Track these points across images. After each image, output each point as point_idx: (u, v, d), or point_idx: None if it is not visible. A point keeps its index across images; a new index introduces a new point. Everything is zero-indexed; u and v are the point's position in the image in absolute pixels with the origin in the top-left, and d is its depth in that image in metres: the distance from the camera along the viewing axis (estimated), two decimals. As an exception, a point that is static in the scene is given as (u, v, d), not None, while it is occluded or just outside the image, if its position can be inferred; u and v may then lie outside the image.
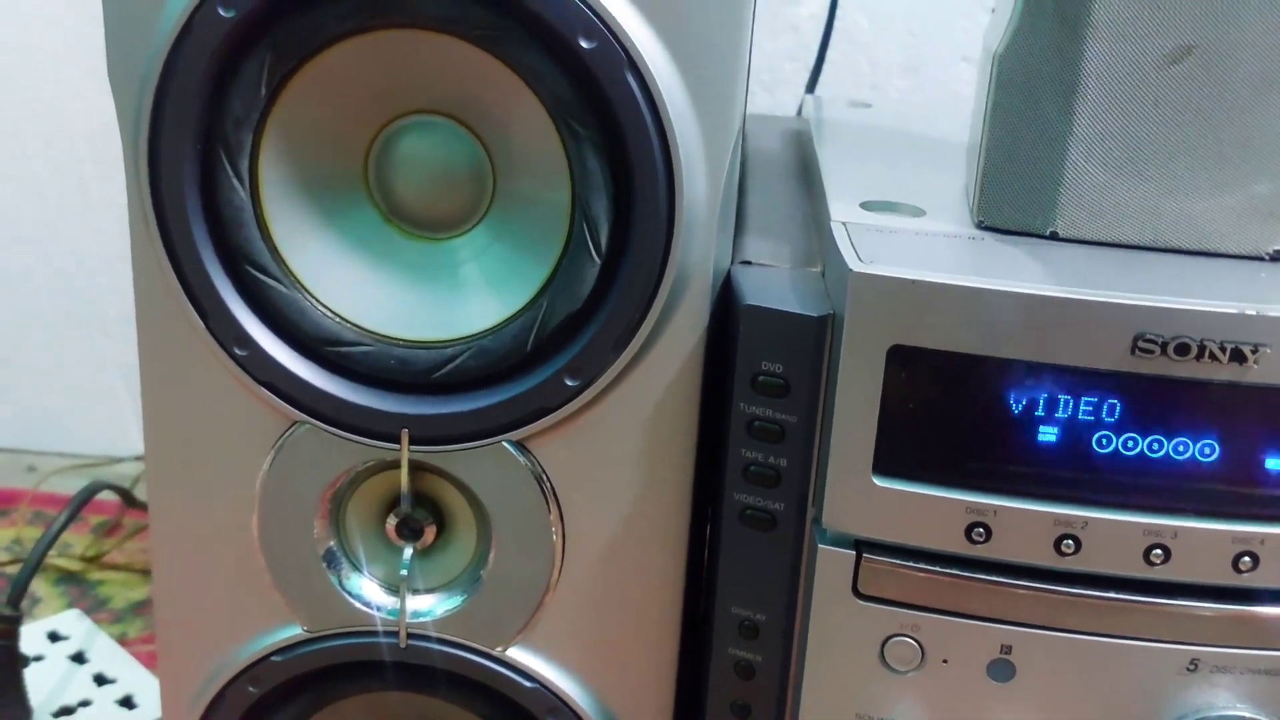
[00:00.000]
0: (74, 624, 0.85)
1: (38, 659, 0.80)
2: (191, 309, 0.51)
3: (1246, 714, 0.49)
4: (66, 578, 1.04)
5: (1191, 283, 0.47)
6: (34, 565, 0.71)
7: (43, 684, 0.77)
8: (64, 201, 1.14)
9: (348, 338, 0.52)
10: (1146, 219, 0.50)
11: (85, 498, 0.75)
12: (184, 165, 0.49)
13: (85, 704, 0.77)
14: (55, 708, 0.76)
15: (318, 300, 0.52)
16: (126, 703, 0.77)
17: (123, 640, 0.85)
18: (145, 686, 0.78)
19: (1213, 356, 0.44)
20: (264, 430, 0.53)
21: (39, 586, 1.02)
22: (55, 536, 0.73)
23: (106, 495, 1.07)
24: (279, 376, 0.52)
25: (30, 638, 0.82)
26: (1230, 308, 0.44)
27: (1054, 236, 0.51)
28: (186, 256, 0.50)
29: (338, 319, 0.52)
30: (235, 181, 0.50)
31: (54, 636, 0.83)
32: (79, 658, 0.81)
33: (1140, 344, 0.45)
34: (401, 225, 0.52)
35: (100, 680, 0.79)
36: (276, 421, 0.53)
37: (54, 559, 1.05)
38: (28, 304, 1.19)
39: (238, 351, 0.52)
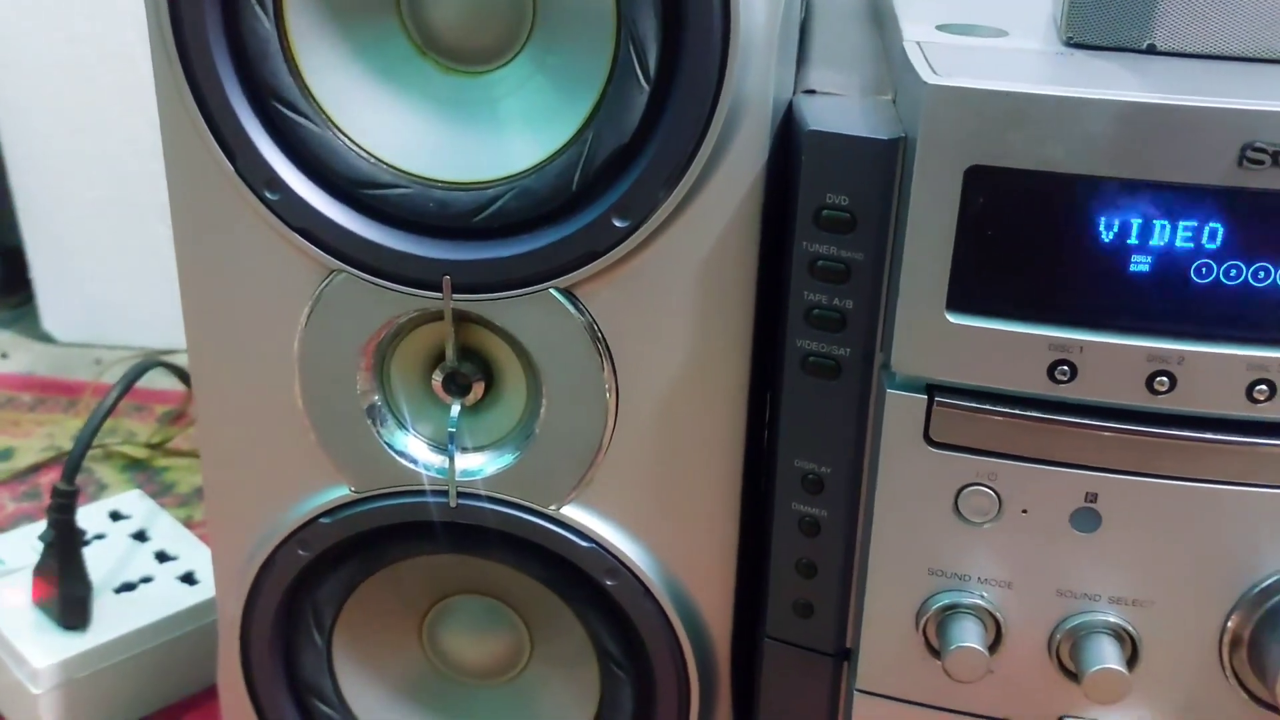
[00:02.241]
0: (136, 504, 0.85)
1: (99, 537, 0.80)
2: (219, 149, 0.48)
3: (1357, 565, 0.45)
4: (133, 465, 1.05)
5: (1306, 90, 0.42)
6: (86, 441, 0.70)
7: (104, 561, 0.77)
8: (115, 83, 1.12)
9: (383, 179, 0.49)
10: (1259, 26, 0.45)
11: (135, 375, 0.74)
12: (204, -6, 0.46)
13: (147, 580, 0.77)
14: (117, 583, 0.76)
15: (351, 139, 0.49)
16: (188, 579, 0.77)
17: (188, 523, 0.84)
18: (206, 563, 0.78)
19: (1331, 166, 0.40)
20: (300, 282, 0.51)
21: (106, 473, 1.03)
22: (108, 412, 0.72)
23: (173, 384, 1.07)
24: (313, 221, 0.49)
25: (92, 517, 0.82)
26: (1353, 109, 0.39)
27: (1152, 50, 0.46)
28: (211, 92, 0.47)
29: (372, 159, 0.49)
30: (259, 9, 0.46)
31: (116, 516, 0.83)
32: (141, 536, 0.81)
33: (1249, 154, 0.40)
34: (437, 58, 0.49)
35: (162, 557, 0.79)
36: (313, 271, 0.51)
37: (119, 446, 1.06)
38: (85, 193, 1.18)
39: (269, 195, 0.49)
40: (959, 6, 0.54)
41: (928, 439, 0.47)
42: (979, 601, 0.48)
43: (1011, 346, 0.44)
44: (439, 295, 0.50)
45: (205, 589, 0.76)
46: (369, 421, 0.53)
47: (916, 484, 0.48)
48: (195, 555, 0.79)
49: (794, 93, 0.50)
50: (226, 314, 0.53)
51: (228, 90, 0.47)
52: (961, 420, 0.46)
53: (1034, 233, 0.43)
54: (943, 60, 0.44)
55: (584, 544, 0.54)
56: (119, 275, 1.21)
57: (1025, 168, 0.42)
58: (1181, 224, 0.42)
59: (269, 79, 0.48)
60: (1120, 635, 0.47)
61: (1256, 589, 0.46)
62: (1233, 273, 0.43)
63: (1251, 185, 0.41)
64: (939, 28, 0.50)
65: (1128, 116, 0.41)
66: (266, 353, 0.53)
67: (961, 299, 0.44)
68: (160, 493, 0.99)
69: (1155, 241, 0.43)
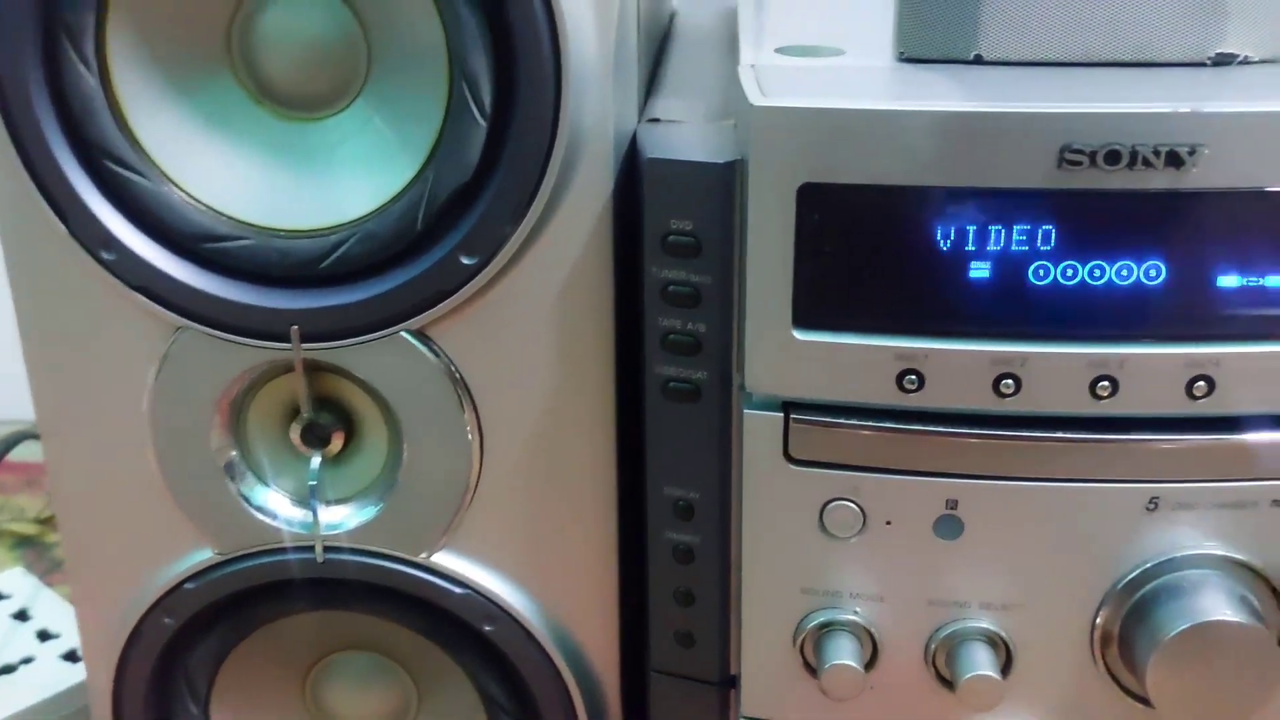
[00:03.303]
0: (17, 582, 0.82)
1: (-23, 620, 0.77)
2: (50, 211, 0.47)
3: (1218, 551, 0.46)
4: (23, 541, 1.01)
5: (1123, 91, 0.43)
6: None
7: (-17, 644, 0.74)
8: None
9: (223, 231, 0.48)
10: (1075, 31, 0.46)
11: (2, 450, 0.71)
12: (25, 54, 0.45)
13: (27, 661, 0.74)
14: (-4, 667, 0.73)
15: (187, 193, 0.48)
16: (71, 657, 0.74)
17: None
18: (92, 639, 0.75)
19: (1146, 163, 0.41)
20: (146, 341, 0.50)
21: (-5, 554, 0.99)
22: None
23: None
24: (153, 280, 0.48)
25: (-30, 600, 0.79)
26: (1162, 107, 0.40)
27: (979, 60, 0.47)
28: (38, 152, 0.46)
29: (210, 212, 0.48)
30: (82, 68, 0.45)
31: (-5, 597, 0.80)
32: (22, 615, 0.78)
33: (1068, 156, 0.41)
34: (273, 105, 0.48)
35: (44, 636, 0.76)
36: (158, 330, 0.49)
37: (8, 524, 1.03)
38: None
39: (104, 255, 0.48)
40: (805, 29, 0.55)
41: (788, 457, 0.47)
42: (853, 618, 0.48)
43: (859, 359, 0.44)
44: (289, 346, 0.49)
45: (91, 666, 0.73)
46: (227, 479, 0.52)
47: (781, 503, 0.47)
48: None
49: (639, 122, 0.50)
50: (73, 378, 0.51)
51: (54, 149, 0.46)
52: (818, 436, 0.46)
53: (870, 246, 0.43)
54: (774, 82, 0.45)
55: (458, 591, 0.53)
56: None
57: (855, 182, 0.42)
58: (1015, 228, 0.43)
59: (97, 136, 0.46)
60: (993, 641, 0.48)
61: (1122, 584, 0.46)
62: (1069, 273, 0.43)
63: (1073, 186, 0.41)
64: (777, 50, 0.50)
65: (950, 126, 0.41)
66: (117, 416, 0.51)
67: (806, 316, 0.44)
68: (51, 569, 0.96)
69: (990, 247, 0.43)
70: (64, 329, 0.50)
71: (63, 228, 0.47)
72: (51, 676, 0.72)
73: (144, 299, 0.48)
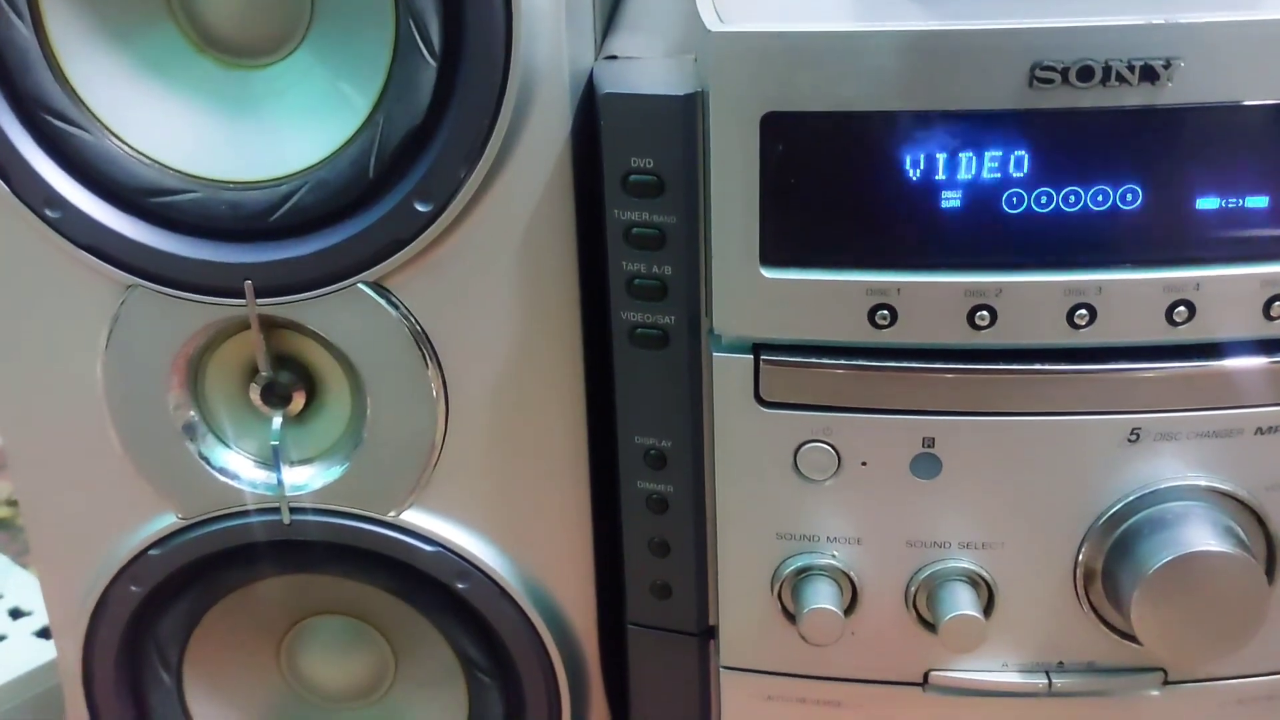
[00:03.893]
0: (-11, 561, 0.81)
1: (-51, 601, 0.76)
2: (-12, 170, 0.45)
3: (1201, 482, 0.44)
4: (-3, 523, 1.00)
5: (1095, 5, 0.42)
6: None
7: (-46, 625, 0.73)
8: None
9: (170, 185, 0.46)
10: (1044, -51, 0.44)
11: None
12: (-47, 6, 0.43)
13: (0, 639, 0.73)
14: (-31, 646, 0.72)
15: (131, 146, 0.46)
16: (44, 634, 0.73)
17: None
18: (67, 615, 0.74)
19: (1120, 78, 0.39)
20: (96, 302, 0.48)
21: (-35, 534, 0.98)
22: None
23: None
24: (101, 237, 0.47)
25: (-59, 581, 0.78)
26: (1135, 20, 0.39)
27: (945, -17, 0.45)
28: (-29, 109, 0.45)
29: (156, 165, 0.46)
30: (13, 17, 0.44)
31: (-34, 577, 0.79)
32: (-7, 594, 0.77)
33: (1038, 74, 0.39)
34: (216, 54, 0.46)
35: (16, 614, 0.75)
36: (108, 289, 0.48)
37: (-20, 506, 1.01)
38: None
39: (49, 213, 0.46)
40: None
41: (759, 399, 0.45)
42: (831, 562, 0.47)
43: (829, 296, 0.43)
44: (243, 302, 0.47)
45: (65, 642, 0.72)
46: (187, 440, 0.50)
47: (754, 447, 0.46)
48: (55, 608, 0.75)
49: (597, 59, 0.49)
50: (23, 344, 0.50)
51: (-11, 105, 0.45)
52: (790, 377, 0.45)
53: (837, 177, 0.42)
54: (731, 9, 0.43)
55: (428, 548, 0.51)
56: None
57: (820, 109, 0.41)
58: (986, 153, 0.42)
59: (34, 90, 0.45)
60: (975, 581, 0.47)
61: (1103, 519, 0.45)
62: (1043, 199, 0.42)
63: (1046, 105, 0.40)
64: (737, -20, 0.48)
65: (914, 47, 0.40)
66: (71, 380, 0.50)
67: (774, 253, 0.43)
68: (24, 551, 0.95)
69: (961, 174, 0.42)
70: (10, 292, 0.49)
71: (3, 186, 0.46)
72: (24, 654, 0.71)
73: (92, 258, 0.47)
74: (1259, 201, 0.42)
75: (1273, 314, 0.42)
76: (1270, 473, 0.44)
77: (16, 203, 0.46)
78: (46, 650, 0.71)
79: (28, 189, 0.46)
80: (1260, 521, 0.45)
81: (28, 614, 0.74)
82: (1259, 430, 0.44)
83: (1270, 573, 0.45)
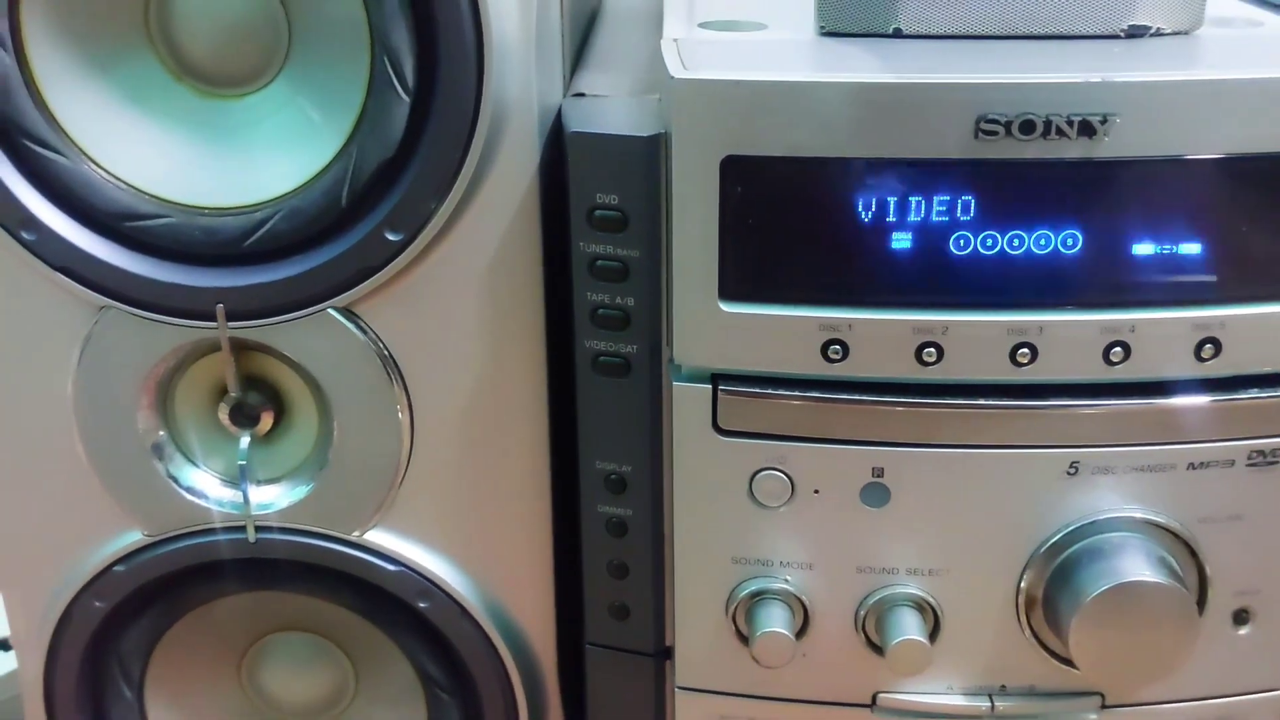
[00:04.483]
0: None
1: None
2: (-35, 192, 0.46)
3: (1137, 514, 0.47)
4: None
5: (1038, 62, 0.44)
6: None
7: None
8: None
9: (145, 210, 0.47)
10: (992, 5, 0.47)
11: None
12: (-65, 31, 0.44)
13: (-40, 651, 0.73)
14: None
15: (107, 171, 0.47)
16: (4, 645, 0.73)
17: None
18: (27, 628, 0.75)
19: (1060, 132, 0.41)
20: (69, 322, 0.49)
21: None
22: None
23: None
24: (75, 260, 0.48)
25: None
26: (1074, 77, 0.41)
27: (898, 34, 0.47)
28: (-50, 133, 0.46)
29: (132, 190, 0.47)
30: (-6, 44, 0.45)
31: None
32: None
33: (984, 126, 0.41)
34: (194, 83, 0.48)
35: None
36: (81, 311, 0.49)
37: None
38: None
39: (25, 235, 0.47)
40: (730, 5, 0.55)
41: (717, 428, 0.47)
42: (784, 586, 0.49)
43: (784, 330, 0.45)
44: (214, 325, 0.48)
45: (25, 655, 0.72)
46: (155, 460, 0.51)
47: (711, 474, 0.48)
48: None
49: (565, 97, 0.50)
50: (-6, 361, 0.51)
51: (-32, 129, 0.46)
52: (746, 407, 0.46)
53: (793, 218, 0.44)
54: (696, 56, 0.45)
55: (391, 568, 0.53)
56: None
57: (777, 154, 0.43)
58: (934, 199, 0.43)
59: (14, 115, 0.46)
60: (921, 606, 0.48)
61: (1045, 547, 0.47)
62: (988, 242, 0.44)
63: (990, 155, 0.42)
64: (701, 25, 0.50)
65: (867, 97, 0.42)
66: (40, 398, 0.51)
67: (732, 288, 0.45)
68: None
69: (910, 218, 0.44)
70: (-16, 310, 0.50)
71: (-21, 207, 0.47)
72: (-15, 666, 0.71)
73: (66, 279, 0.48)
74: (1191, 249, 0.44)
75: (1203, 356, 0.44)
76: (1201, 506, 0.47)
77: (-8, 224, 0.47)
78: (5, 662, 0.71)
79: (4, 211, 0.47)
80: (1192, 553, 0.47)
81: (-12, 627, 0.75)
82: (1191, 465, 0.46)
83: (1201, 602, 0.47)
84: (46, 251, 0.47)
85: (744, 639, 0.49)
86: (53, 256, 0.48)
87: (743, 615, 0.49)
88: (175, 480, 0.52)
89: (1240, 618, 0.48)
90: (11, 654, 0.71)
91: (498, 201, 0.48)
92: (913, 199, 0.44)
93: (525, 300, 0.49)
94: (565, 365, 0.52)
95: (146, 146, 0.48)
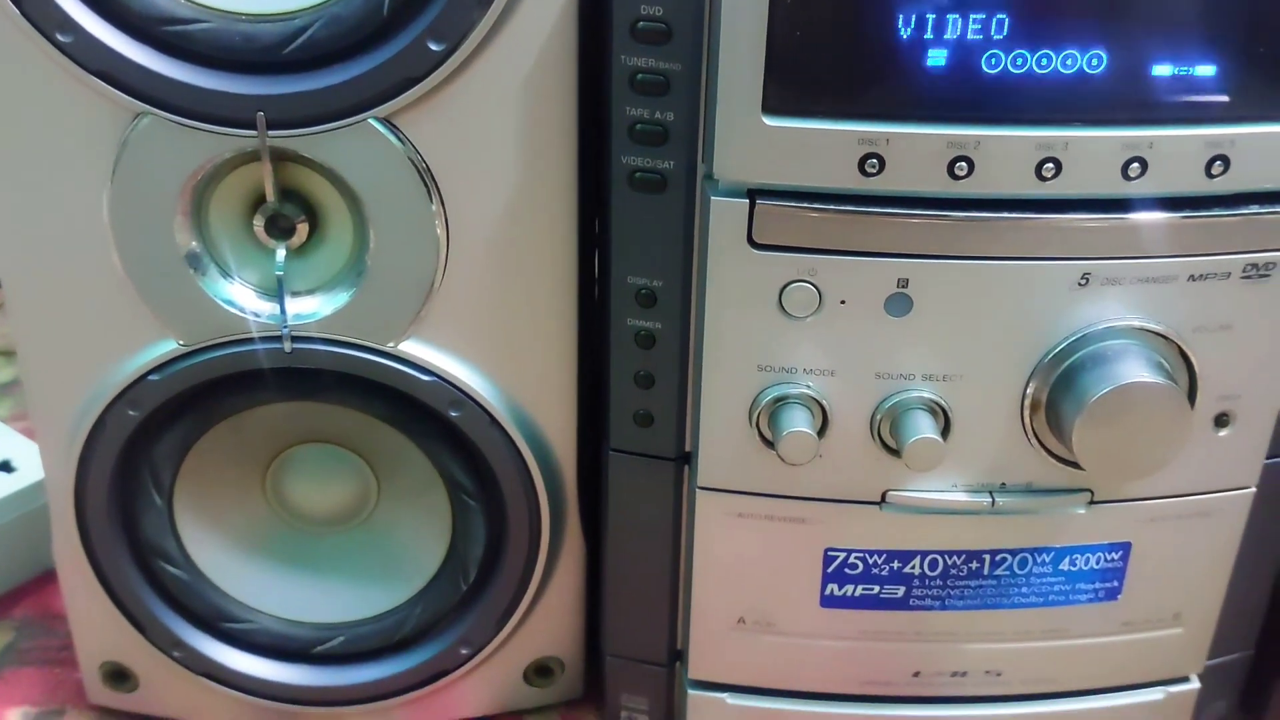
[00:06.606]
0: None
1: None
2: (0, -9, 0.45)
3: (1137, 323, 0.50)
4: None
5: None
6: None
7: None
8: None
9: (183, 14, 0.47)
10: None
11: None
12: None
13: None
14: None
15: (143, -28, 0.46)
16: (4, 467, 0.74)
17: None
18: (23, 452, 0.75)
19: (1101, -49, 0.43)
20: (106, 128, 0.49)
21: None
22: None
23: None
24: (112, 64, 0.47)
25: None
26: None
27: None
28: (-17, -73, 0.44)
29: (169, -7, 0.47)
30: None
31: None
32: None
33: (1029, -57, 0.43)
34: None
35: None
36: (117, 117, 0.49)
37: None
38: None
39: (60, 38, 0.46)
40: None
41: (751, 242, 0.49)
42: (806, 391, 0.52)
43: (824, 144, 0.47)
44: (254, 133, 0.48)
45: (25, 475, 0.73)
46: (191, 270, 0.52)
47: (743, 286, 0.50)
48: (8, 444, 0.76)
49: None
50: (28, 169, 0.50)
51: (2, -77, 0.44)
52: (782, 220, 0.48)
53: (840, 34, 0.45)
54: None
55: (425, 378, 0.54)
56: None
57: (828, -36, 0.44)
58: (970, 16, 0.45)
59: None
60: (934, 409, 0.52)
61: (1050, 355, 0.51)
62: (1019, 61, 0.46)
63: (1029, -27, 0.44)
64: None
65: (920, -89, 0.43)
66: (75, 207, 0.51)
67: (776, 102, 0.46)
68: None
69: (949, 35, 0.45)
70: (16, 116, 0.49)
71: (14, 9, 0.46)
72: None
73: (103, 84, 0.47)
74: (1206, 70, 0.46)
75: (1213, 172, 0.47)
76: (1196, 316, 0.50)
77: (28, 26, 0.46)
78: (8, 483, 0.72)
79: (40, 12, 0.46)
80: (1185, 360, 0.51)
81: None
82: (1191, 277, 0.49)
83: (1191, 400, 0.51)
84: (83, 55, 0.47)
85: (767, 442, 0.52)
86: (89, 60, 0.47)
87: (765, 419, 0.52)
88: (211, 291, 0.52)
89: (1221, 420, 0.53)
90: (11, 476, 0.73)
91: (539, 11, 0.48)
92: (950, 16, 0.45)
93: (561, 113, 0.50)
94: (595, 184, 0.54)
95: (182, -52, 0.47)
